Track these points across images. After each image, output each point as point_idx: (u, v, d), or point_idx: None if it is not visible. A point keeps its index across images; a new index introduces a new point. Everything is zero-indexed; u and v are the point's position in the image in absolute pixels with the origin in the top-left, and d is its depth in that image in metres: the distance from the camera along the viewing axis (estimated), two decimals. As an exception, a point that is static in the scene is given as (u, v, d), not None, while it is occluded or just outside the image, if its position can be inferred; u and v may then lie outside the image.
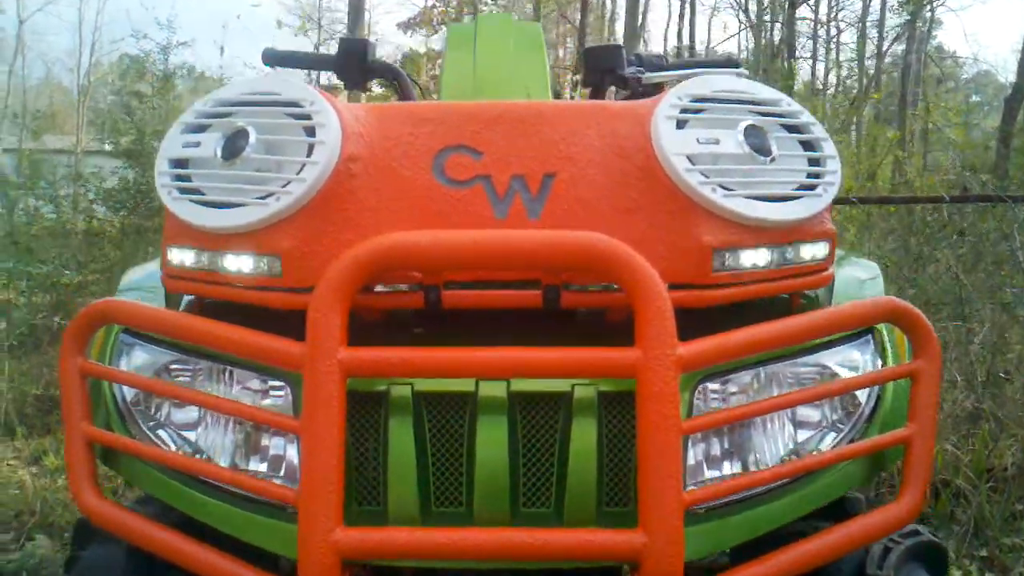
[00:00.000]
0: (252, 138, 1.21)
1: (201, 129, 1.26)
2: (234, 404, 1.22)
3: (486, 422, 1.19)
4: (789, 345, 1.20)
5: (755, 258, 1.20)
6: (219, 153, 1.22)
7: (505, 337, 1.17)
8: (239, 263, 1.22)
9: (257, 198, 1.18)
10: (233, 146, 1.21)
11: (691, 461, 1.20)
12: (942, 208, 4.78)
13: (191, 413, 1.31)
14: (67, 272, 6.40)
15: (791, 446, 1.25)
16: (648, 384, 1.06)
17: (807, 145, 1.25)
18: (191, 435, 1.30)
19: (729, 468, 1.22)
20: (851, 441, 1.25)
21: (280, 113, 1.23)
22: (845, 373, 1.28)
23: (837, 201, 5.53)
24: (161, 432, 1.31)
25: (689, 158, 1.17)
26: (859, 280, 1.77)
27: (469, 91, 1.52)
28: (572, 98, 1.83)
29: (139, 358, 1.33)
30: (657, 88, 1.91)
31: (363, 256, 1.10)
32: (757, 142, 1.20)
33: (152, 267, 1.57)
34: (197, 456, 1.28)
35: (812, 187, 1.22)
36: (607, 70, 1.86)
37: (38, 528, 3.37)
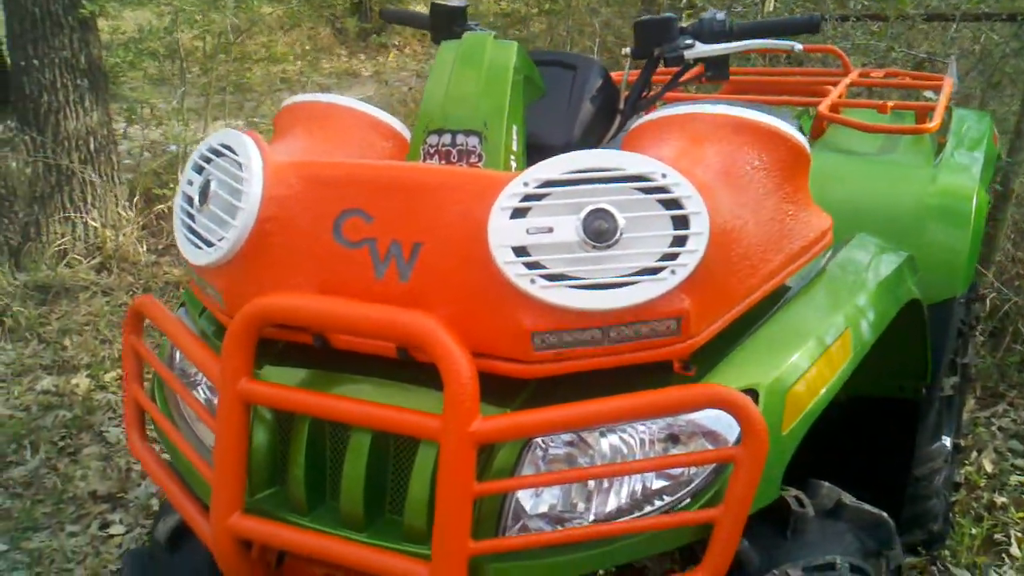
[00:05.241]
0: (212, 188, 1.45)
1: (200, 170, 1.51)
2: (189, 396, 1.54)
3: (355, 434, 1.36)
4: (599, 425, 1.25)
5: (580, 338, 1.25)
6: (197, 197, 1.48)
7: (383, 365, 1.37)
8: (209, 288, 1.51)
9: (207, 244, 1.44)
10: (204, 193, 1.46)
11: (522, 502, 1.30)
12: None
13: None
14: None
15: (621, 501, 1.31)
16: (446, 451, 1.21)
17: (678, 221, 1.24)
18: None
19: (558, 507, 1.31)
20: (683, 501, 1.30)
21: (230, 169, 1.44)
22: (698, 416, 1.29)
23: (933, 17, 4.68)
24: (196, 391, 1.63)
25: (515, 249, 1.23)
26: (860, 264, 1.75)
27: (438, 118, 1.58)
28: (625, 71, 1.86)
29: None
30: (714, 65, 1.93)
31: (251, 312, 1.35)
32: (603, 225, 1.22)
33: None
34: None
35: (659, 269, 1.23)
36: (657, 44, 1.87)
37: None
